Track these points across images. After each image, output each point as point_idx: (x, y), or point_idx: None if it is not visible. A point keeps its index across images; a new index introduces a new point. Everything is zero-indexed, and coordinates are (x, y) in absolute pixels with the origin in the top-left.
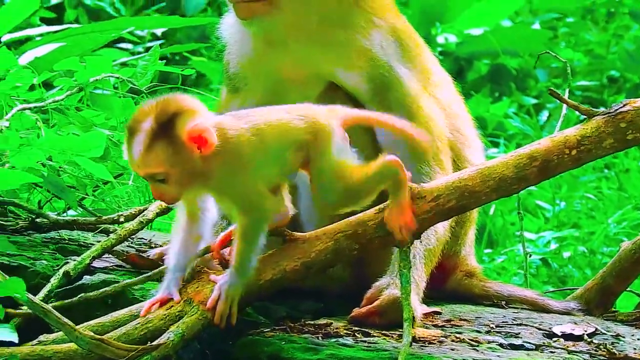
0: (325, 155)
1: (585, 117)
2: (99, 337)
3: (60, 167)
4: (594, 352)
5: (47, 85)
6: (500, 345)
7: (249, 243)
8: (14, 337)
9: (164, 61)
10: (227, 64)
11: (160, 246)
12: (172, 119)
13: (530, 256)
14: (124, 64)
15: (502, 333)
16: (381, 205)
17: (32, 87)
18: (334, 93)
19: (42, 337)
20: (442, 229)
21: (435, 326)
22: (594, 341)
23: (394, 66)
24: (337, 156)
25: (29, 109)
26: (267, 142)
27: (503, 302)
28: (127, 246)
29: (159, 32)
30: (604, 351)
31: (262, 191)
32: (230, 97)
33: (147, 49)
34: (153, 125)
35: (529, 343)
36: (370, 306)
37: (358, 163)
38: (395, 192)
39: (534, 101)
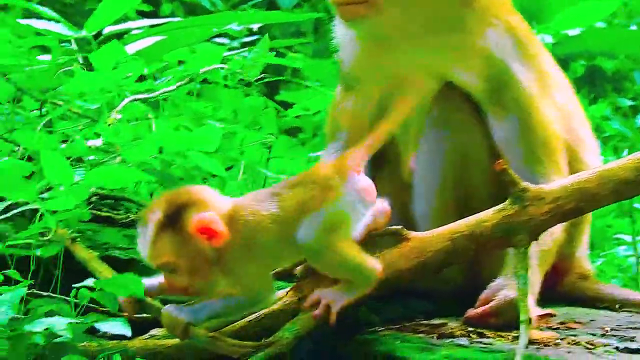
0: (329, 205)
1: None
2: (213, 333)
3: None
4: None
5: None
6: (616, 348)
7: (222, 308)
8: (127, 331)
9: (274, 53)
10: (341, 62)
11: None
12: (179, 210)
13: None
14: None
15: (617, 337)
16: (500, 206)
17: (140, 79)
18: (450, 93)
19: (154, 331)
20: (558, 230)
21: (550, 328)
22: None
23: (511, 65)
24: (340, 209)
25: (140, 100)
26: (286, 229)
27: (617, 306)
28: None
29: (255, 27)
30: None
31: (267, 278)
32: (346, 95)
33: (244, 45)
34: (160, 217)
35: None
36: (485, 307)
37: (353, 238)
38: (347, 289)
39: (631, 103)
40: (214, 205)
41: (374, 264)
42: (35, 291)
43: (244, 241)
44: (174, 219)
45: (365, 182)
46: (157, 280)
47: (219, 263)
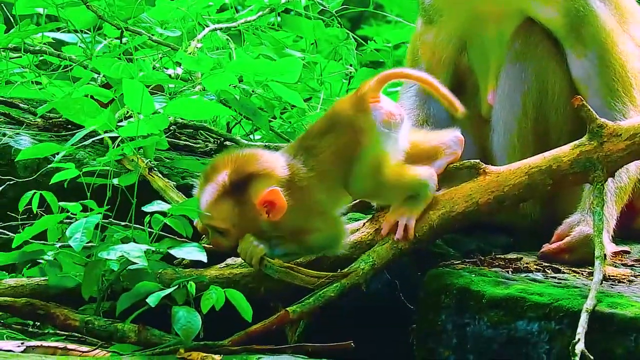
0: (366, 149)
1: None
2: (288, 264)
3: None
4: None
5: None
6: None
7: (300, 249)
8: (203, 257)
9: None
10: None
11: None
12: (247, 180)
13: None
14: None
15: None
16: (577, 142)
17: (222, 9)
18: (530, 28)
19: (229, 260)
20: (634, 167)
21: (625, 265)
22: None
23: (590, 0)
24: (378, 149)
25: (220, 29)
26: (330, 181)
27: None
28: None
29: None
30: None
31: (334, 222)
32: (426, 29)
33: None
34: (226, 182)
35: None
36: (560, 242)
37: (399, 160)
38: (415, 203)
39: None
40: (277, 176)
41: (428, 172)
42: (112, 220)
43: (299, 203)
44: (239, 189)
45: (387, 107)
46: None
47: (275, 228)
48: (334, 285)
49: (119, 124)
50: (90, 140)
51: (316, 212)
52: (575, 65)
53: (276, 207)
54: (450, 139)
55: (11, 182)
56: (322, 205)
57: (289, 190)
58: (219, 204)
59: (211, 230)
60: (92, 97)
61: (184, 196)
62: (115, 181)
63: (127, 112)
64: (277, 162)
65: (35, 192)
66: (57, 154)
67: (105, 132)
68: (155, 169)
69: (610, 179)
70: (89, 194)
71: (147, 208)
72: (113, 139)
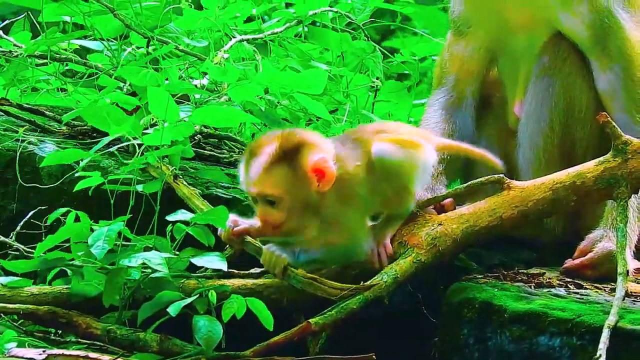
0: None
1: None
2: (312, 275)
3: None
4: None
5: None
6: None
7: (324, 254)
8: (223, 265)
9: None
10: (451, 6)
11: None
12: (298, 147)
13: None
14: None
15: None
16: (602, 158)
17: (249, 20)
18: (558, 43)
19: (252, 271)
20: None
21: None
22: None
23: (615, 11)
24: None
25: (247, 40)
26: (372, 176)
27: None
28: None
29: None
30: None
31: (363, 227)
32: (455, 40)
33: None
34: (277, 150)
35: None
36: (583, 258)
37: None
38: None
39: None
40: (325, 149)
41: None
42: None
43: (342, 189)
44: (291, 155)
45: None
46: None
47: (318, 208)
48: (357, 297)
49: (144, 131)
50: (115, 148)
51: (353, 207)
52: (600, 78)
53: (326, 176)
54: None
55: (35, 189)
56: (360, 201)
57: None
58: (271, 171)
59: (261, 203)
60: (117, 104)
61: (209, 204)
62: (140, 188)
63: (152, 119)
64: (325, 141)
65: (68, 210)
66: (82, 161)
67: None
68: (180, 176)
69: (634, 196)
70: (112, 201)
71: (171, 217)
72: (138, 146)
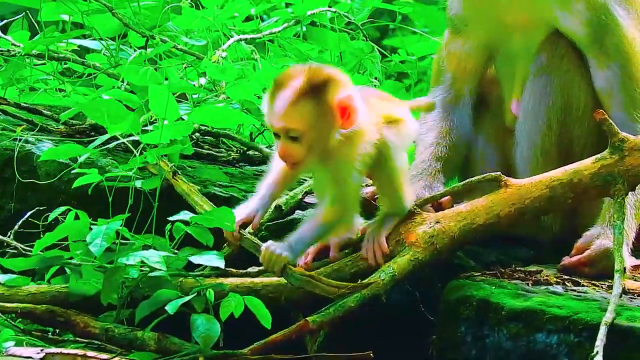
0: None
1: None
2: (309, 273)
3: None
4: None
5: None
6: None
7: (318, 232)
8: (220, 264)
9: None
10: (449, 4)
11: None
12: (326, 83)
13: None
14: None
15: None
16: (598, 155)
17: (247, 19)
18: (556, 41)
19: (250, 269)
20: None
21: None
22: None
23: (612, 8)
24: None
25: (245, 40)
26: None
27: None
28: None
29: None
30: None
31: (357, 197)
32: (452, 38)
33: None
34: (304, 84)
35: None
36: (580, 256)
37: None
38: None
39: None
40: (352, 88)
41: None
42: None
43: (356, 144)
44: (318, 89)
45: None
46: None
47: (329, 154)
48: (354, 295)
49: (143, 128)
50: (113, 145)
51: (358, 170)
52: (598, 76)
53: (352, 113)
54: None
55: (33, 188)
56: (364, 167)
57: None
58: (297, 105)
59: (283, 138)
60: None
61: (207, 200)
62: (138, 184)
63: (151, 117)
64: (352, 85)
65: (68, 209)
66: (80, 158)
67: (129, 136)
68: (179, 172)
69: (630, 193)
70: (110, 199)
71: (173, 217)
72: (137, 144)
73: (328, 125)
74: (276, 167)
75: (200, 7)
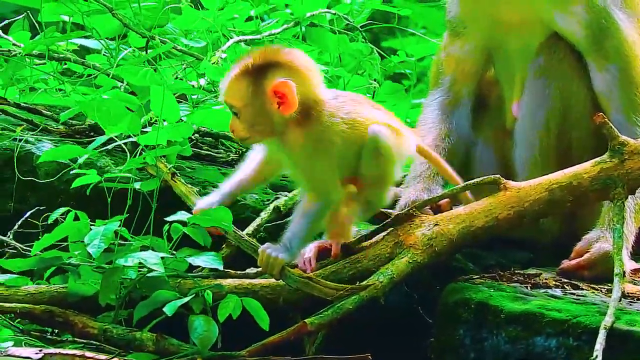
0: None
1: None
2: (307, 275)
3: None
4: None
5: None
6: None
7: (308, 223)
8: (219, 265)
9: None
10: (447, 7)
11: None
12: (267, 66)
13: None
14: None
15: None
16: (598, 159)
17: (247, 20)
18: (555, 43)
19: (249, 271)
20: None
21: None
22: None
23: (612, 11)
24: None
25: (245, 41)
26: (355, 136)
27: None
28: None
29: None
30: None
31: (335, 179)
32: (451, 41)
33: None
34: (248, 64)
35: None
36: (580, 259)
37: None
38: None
39: None
40: (306, 81)
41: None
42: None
43: (318, 131)
44: (258, 71)
45: None
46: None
47: (284, 138)
48: (353, 297)
49: (143, 129)
50: (112, 146)
51: (327, 157)
52: (597, 79)
53: (287, 102)
54: None
55: (33, 188)
56: (333, 154)
57: (314, 113)
58: (236, 82)
59: (232, 113)
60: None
61: None
62: (137, 185)
63: (151, 118)
64: (317, 76)
65: (68, 210)
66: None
67: (128, 137)
68: (177, 174)
69: (630, 196)
70: (109, 200)
71: (171, 218)
72: (136, 145)
73: (264, 108)
74: (250, 162)
75: (201, 8)
